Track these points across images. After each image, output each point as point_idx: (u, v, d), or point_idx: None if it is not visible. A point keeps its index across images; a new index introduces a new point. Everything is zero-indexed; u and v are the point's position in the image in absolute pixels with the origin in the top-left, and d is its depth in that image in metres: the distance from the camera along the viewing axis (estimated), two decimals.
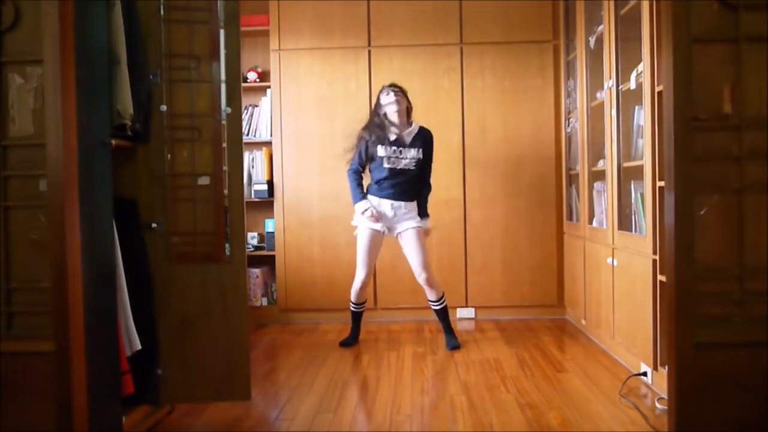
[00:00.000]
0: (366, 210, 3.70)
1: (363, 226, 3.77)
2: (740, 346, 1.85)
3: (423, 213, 3.80)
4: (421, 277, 3.72)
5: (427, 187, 3.84)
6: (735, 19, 1.84)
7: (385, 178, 3.71)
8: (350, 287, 3.87)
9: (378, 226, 3.71)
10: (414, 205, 3.79)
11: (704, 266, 1.85)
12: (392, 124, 3.72)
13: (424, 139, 3.77)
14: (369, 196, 3.77)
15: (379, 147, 3.70)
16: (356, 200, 3.75)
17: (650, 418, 2.51)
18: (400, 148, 3.71)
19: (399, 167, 3.70)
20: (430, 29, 4.48)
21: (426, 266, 3.72)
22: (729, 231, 1.85)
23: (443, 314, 3.80)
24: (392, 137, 3.71)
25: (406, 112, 3.77)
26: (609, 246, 3.39)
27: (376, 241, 3.77)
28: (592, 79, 3.79)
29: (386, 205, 3.73)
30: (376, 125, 3.74)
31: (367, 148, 3.74)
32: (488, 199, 4.47)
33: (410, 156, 3.72)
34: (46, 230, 1.87)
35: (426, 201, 3.83)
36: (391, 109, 3.70)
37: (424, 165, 3.78)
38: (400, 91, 3.75)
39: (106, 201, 2.19)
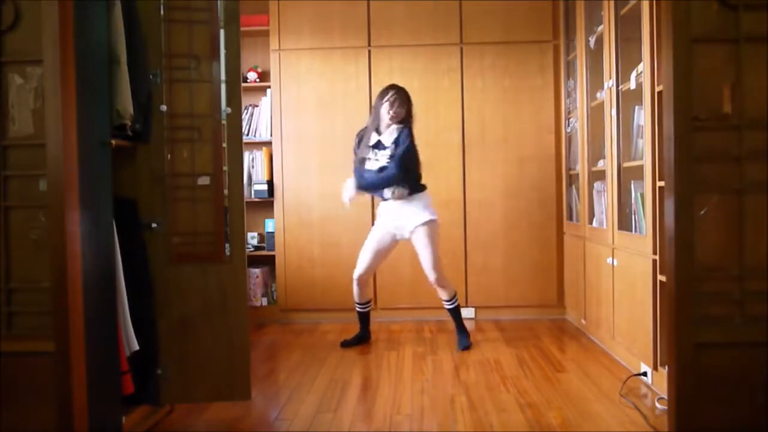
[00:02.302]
0: (349, 187, 3.65)
1: (375, 225, 3.81)
2: (740, 346, 1.85)
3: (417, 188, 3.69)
4: (431, 277, 3.70)
5: (393, 170, 3.58)
6: (735, 19, 1.84)
7: (373, 186, 3.67)
8: (351, 286, 3.86)
9: (346, 197, 3.65)
10: (417, 200, 3.66)
11: (704, 266, 1.85)
12: (379, 121, 3.64)
13: (397, 135, 3.61)
14: (381, 206, 3.78)
15: (363, 149, 3.68)
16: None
17: (650, 418, 2.51)
18: (376, 151, 3.65)
19: (376, 167, 3.62)
20: (430, 29, 4.47)
21: (435, 266, 3.66)
22: (729, 231, 1.85)
23: (455, 313, 3.78)
24: (372, 140, 3.65)
25: (400, 115, 3.61)
26: (609, 246, 3.39)
27: (383, 242, 3.74)
28: (592, 79, 3.79)
29: (392, 206, 3.69)
30: (360, 136, 3.73)
31: (356, 149, 3.75)
32: (488, 199, 4.47)
33: (385, 156, 3.61)
34: (46, 230, 1.87)
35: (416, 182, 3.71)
36: (385, 108, 3.61)
37: (397, 155, 3.57)
38: (397, 93, 3.62)
39: (106, 201, 2.19)
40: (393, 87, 3.68)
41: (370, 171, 3.65)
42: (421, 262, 3.72)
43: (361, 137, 3.75)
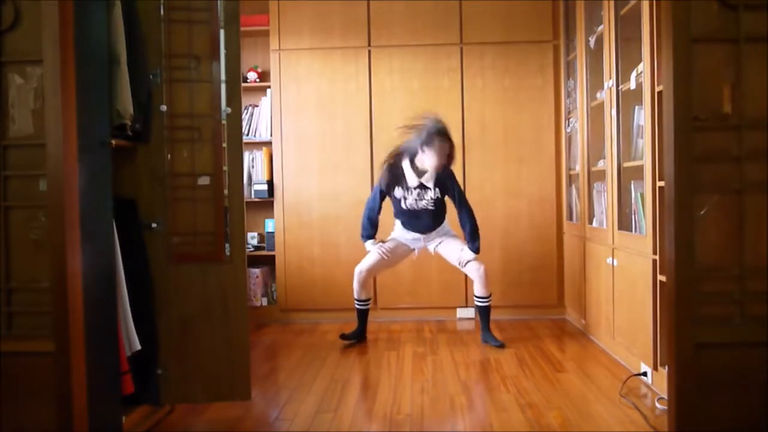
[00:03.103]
0: (372, 247, 3.82)
1: (392, 236, 3.92)
2: (740, 346, 1.85)
3: (472, 247, 3.77)
4: (481, 269, 3.74)
5: (469, 223, 3.78)
6: (735, 19, 1.84)
7: (406, 217, 3.81)
8: (351, 286, 3.87)
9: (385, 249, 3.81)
10: (444, 226, 3.87)
11: (704, 266, 1.85)
12: (418, 170, 3.71)
13: (440, 180, 3.71)
14: (397, 223, 3.89)
15: (397, 189, 3.75)
16: (363, 238, 3.86)
17: (650, 418, 2.51)
18: (419, 191, 3.72)
19: (417, 208, 3.75)
20: (430, 29, 4.47)
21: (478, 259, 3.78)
22: (729, 231, 1.85)
23: (488, 312, 3.80)
24: (414, 183, 3.71)
25: (448, 158, 3.65)
26: (609, 246, 3.39)
27: (399, 250, 3.87)
28: (592, 79, 3.79)
29: (415, 234, 3.84)
30: (394, 171, 3.73)
31: (387, 185, 3.77)
32: (488, 199, 4.47)
33: (428, 197, 3.73)
34: (46, 230, 1.87)
35: (473, 236, 3.77)
36: (431, 157, 3.59)
37: (458, 202, 3.77)
38: (447, 140, 3.61)
39: (106, 201, 2.19)
40: (440, 134, 3.60)
41: (418, 217, 3.76)
42: (461, 259, 3.77)
43: (390, 173, 3.74)
